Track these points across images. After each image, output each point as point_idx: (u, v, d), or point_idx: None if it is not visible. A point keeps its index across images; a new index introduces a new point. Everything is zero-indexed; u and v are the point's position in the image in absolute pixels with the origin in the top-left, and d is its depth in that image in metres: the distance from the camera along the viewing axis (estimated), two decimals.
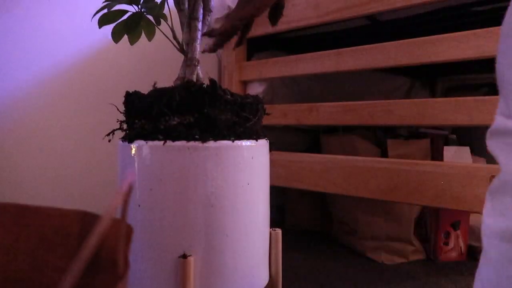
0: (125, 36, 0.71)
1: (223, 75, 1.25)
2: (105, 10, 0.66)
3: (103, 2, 0.66)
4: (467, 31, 0.79)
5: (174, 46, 0.69)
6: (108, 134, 0.66)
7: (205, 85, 0.60)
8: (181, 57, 0.70)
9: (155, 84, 0.65)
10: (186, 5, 0.69)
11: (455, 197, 0.79)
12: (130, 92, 0.63)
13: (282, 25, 1.09)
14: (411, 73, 1.76)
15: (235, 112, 0.61)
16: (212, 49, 0.63)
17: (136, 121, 0.61)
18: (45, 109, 0.93)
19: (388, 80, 1.73)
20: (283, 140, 1.38)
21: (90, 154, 0.98)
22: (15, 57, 0.88)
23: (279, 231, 0.66)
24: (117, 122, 0.65)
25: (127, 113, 0.64)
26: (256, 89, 1.19)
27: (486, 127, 0.40)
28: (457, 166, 0.80)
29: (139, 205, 0.56)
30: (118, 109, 0.71)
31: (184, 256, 0.54)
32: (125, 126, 0.65)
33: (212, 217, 0.55)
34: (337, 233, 1.29)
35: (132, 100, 0.62)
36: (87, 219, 0.31)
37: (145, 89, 0.65)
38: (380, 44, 0.90)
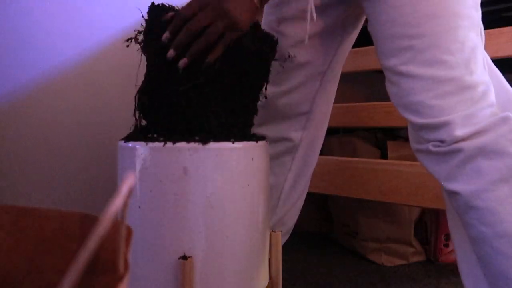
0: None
1: None
2: None
3: None
4: None
5: None
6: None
7: None
8: None
9: None
10: None
11: None
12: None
13: None
14: None
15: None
16: None
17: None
18: (45, 109, 0.93)
19: None
20: None
21: (90, 155, 0.98)
22: (16, 57, 0.88)
23: (279, 232, 0.66)
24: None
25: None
26: None
27: None
28: None
29: (139, 207, 0.56)
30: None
31: (184, 258, 0.54)
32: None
33: (212, 219, 0.55)
34: (337, 235, 1.29)
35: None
36: (86, 221, 0.31)
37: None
38: None
